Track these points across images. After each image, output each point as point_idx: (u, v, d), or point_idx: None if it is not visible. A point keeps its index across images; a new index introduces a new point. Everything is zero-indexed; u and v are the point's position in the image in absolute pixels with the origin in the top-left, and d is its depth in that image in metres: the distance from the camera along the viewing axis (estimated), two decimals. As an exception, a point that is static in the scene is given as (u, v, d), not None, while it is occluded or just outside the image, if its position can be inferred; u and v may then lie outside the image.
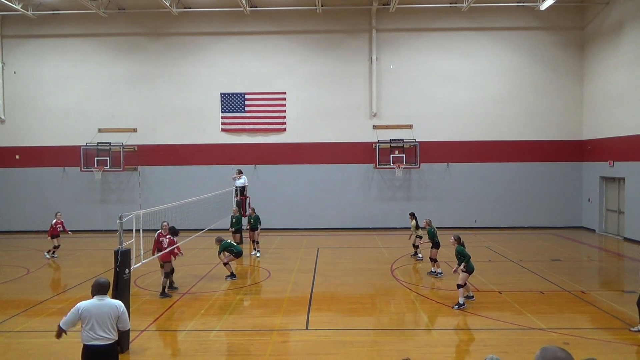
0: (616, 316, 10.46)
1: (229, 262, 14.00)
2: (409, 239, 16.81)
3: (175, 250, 12.64)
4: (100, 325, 6.04)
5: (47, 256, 17.21)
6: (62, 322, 6.13)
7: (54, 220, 17.46)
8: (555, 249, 18.29)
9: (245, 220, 18.72)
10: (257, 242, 17.45)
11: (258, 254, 17.11)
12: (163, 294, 12.20)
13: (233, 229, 17.77)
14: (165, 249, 12.21)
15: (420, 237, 16.00)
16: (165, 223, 12.85)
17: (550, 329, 9.65)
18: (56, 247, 17.42)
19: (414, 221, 16.32)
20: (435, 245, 14.13)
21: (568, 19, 22.80)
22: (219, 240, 13.92)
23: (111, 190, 23.54)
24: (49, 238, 17.43)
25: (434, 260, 14.13)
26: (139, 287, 13.08)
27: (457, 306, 11.02)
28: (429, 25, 22.99)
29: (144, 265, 11.73)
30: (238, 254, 14.06)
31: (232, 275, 13.99)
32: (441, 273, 13.96)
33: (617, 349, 8.63)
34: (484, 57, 23.02)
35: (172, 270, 12.72)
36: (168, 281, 12.49)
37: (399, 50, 23.11)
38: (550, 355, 3.05)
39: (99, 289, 6.27)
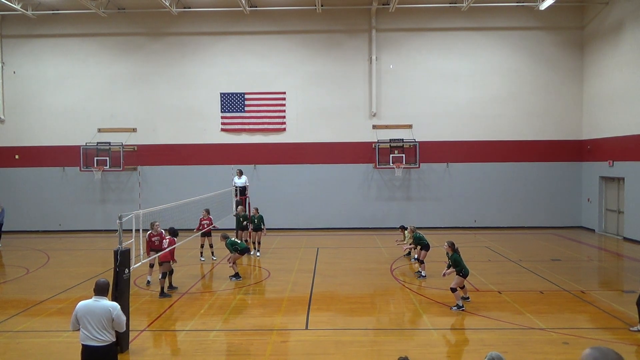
0: (616, 316, 10.47)
1: (235, 262, 13.99)
2: (396, 243, 16.73)
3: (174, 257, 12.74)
4: (93, 326, 6.08)
5: (203, 258, 16.63)
6: (70, 325, 6.31)
7: (200, 217, 16.26)
8: (554, 248, 18.29)
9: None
10: (259, 243, 17.38)
11: (258, 254, 17.11)
12: (162, 294, 12.21)
13: (252, 226, 17.51)
14: (165, 248, 12.25)
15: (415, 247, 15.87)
16: (156, 223, 13.09)
17: (550, 328, 9.66)
18: (210, 247, 16.61)
19: (405, 232, 16.11)
20: (425, 247, 14.12)
21: (568, 18, 22.80)
22: (225, 237, 13.95)
23: (111, 190, 23.53)
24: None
25: (420, 261, 14.13)
26: (139, 287, 13.08)
27: (455, 307, 11.00)
28: (429, 25, 22.99)
29: (144, 265, 11.77)
30: (243, 251, 14.05)
31: (237, 275, 13.97)
32: (425, 276, 13.84)
33: (616, 348, 8.52)
34: (483, 57, 23.03)
35: (171, 271, 12.71)
36: (167, 281, 12.51)
37: (399, 50, 23.11)
38: (606, 358, 3.00)
39: (97, 290, 6.35)
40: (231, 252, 13.85)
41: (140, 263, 10.34)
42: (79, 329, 6.18)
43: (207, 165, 23.16)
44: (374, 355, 8.55)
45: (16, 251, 18.73)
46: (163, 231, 13.05)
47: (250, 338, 9.46)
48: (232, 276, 13.98)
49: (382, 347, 8.96)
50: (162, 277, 12.27)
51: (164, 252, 12.17)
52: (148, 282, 13.32)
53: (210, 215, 16.40)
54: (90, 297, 6.38)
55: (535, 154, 22.97)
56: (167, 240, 12.51)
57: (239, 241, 14.40)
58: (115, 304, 6.39)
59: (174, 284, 12.94)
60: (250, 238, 17.81)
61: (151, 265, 13.21)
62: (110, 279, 8.36)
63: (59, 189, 23.42)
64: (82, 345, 6.14)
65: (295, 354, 8.74)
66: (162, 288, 12.29)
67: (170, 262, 12.46)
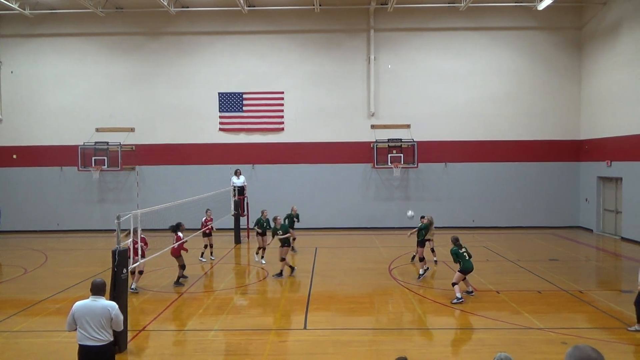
0: (614, 316, 10.49)
1: (285, 257, 14.21)
2: (409, 236, 16.40)
3: (184, 246, 13.36)
4: (92, 325, 6.06)
5: (203, 259, 16.52)
6: (66, 325, 6.27)
7: (204, 218, 16.18)
8: (552, 248, 18.32)
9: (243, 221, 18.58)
10: (264, 249, 16.37)
11: (263, 261, 16.08)
12: (177, 282, 13.28)
13: (260, 230, 16.29)
14: (143, 255, 12.54)
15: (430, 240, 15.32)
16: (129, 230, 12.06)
17: (548, 328, 9.68)
18: (209, 247, 16.57)
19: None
20: (420, 243, 14.13)
21: (566, 19, 22.83)
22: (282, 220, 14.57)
23: (109, 190, 23.49)
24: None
25: (420, 258, 14.10)
26: (138, 287, 13.04)
27: (455, 300, 11.26)
28: (427, 25, 23.00)
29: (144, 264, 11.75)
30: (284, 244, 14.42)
31: (287, 271, 14.23)
32: (423, 274, 13.80)
33: (614, 348, 8.66)
34: (481, 57, 23.04)
35: (183, 266, 13.47)
36: (182, 272, 13.44)
37: (397, 50, 23.11)
38: (582, 354, 3.04)
39: (93, 290, 6.33)
40: (281, 245, 14.24)
41: (137, 263, 10.34)
42: (75, 330, 6.16)
43: (206, 165, 23.13)
44: (373, 355, 8.55)
45: (14, 251, 18.68)
46: (145, 237, 12.80)
47: (249, 338, 9.46)
48: (277, 274, 14.10)
49: (380, 346, 8.96)
50: (180, 269, 13.36)
51: (174, 248, 12.99)
52: (133, 288, 12.54)
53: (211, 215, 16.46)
54: (88, 297, 6.36)
55: (533, 154, 22.99)
56: (175, 236, 13.16)
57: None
58: (113, 303, 6.39)
59: (185, 275, 13.72)
60: (259, 243, 16.48)
61: (132, 273, 12.70)
62: (108, 278, 8.37)
63: (57, 188, 23.37)
64: (80, 345, 6.12)
65: (294, 354, 8.74)
66: (178, 278, 13.34)
67: (181, 256, 13.22)
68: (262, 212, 16.56)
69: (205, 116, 23.23)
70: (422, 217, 15.21)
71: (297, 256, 17.20)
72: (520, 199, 23.08)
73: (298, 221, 17.87)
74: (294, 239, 17.52)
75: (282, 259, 14.13)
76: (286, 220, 16.63)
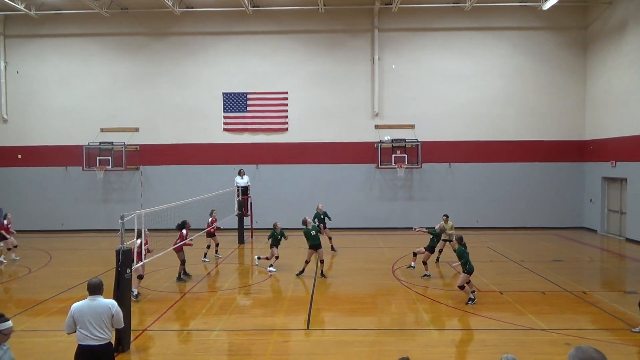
0: (618, 317, 10.44)
1: (309, 260, 14.28)
2: (415, 231, 15.51)
3: (188, 242, 13.59)
4: (93, 325, 6.07)
5: (207, 259, 16.40)
6: (64, 328, 6.23)
7: (210, 219, 16.28)
8: (556, 249, 18.25)
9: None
10: (277, 257, 15.56)
11: (256, 261, 15.88)
12: (179, 278, 13.64)
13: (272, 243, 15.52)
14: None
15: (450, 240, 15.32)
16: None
17: (552, 329, 9.64)
18: (215, 245, 16.76)
19: (450, 222, 15.61)
20: (429, 248, 14.14)
21: (571, 18, 22.75)
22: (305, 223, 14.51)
23: (113, 190, 23.57)
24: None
25: (424, 262, 14.15)
26: (141, 287, 13.06)
27: (470, 302, 11.25)
28: (431, 25, 22.96)
29: (147, 265, 11.79)
30: (314, 246, 14.28)
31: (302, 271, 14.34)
32: (429, 275, 13.97)
33: (618, 349, 8.62)
34: (486, 57, 22.98)
35: (183, 261, 13.75)
36: (183, 268, 13.79)
37: (401, 50, 23.08)
38: (584, 356, 3.04)
39: (91, 289, 6.33)
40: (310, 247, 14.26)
41: (141, 263, 10.37)
42: (74, 332, 6.15)
43: (210, 165, 23.18)
44: (375, 356, 8.54)
45: (18, 250, 18.67)
46: (147, 239, 12.79)
47: (251, 338, 9.47)
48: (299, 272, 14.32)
49: (383, 347, 8.95)
50: (181, 264, 13.67)
51: (176, 246, 13.35)
52: (137, 294, 12.02)
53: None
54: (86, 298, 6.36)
55: (537, 154, 22.92)
56: (178, 240, 13.40)
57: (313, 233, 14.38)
58: (112, 301, 6.43)
59: (188, 272, 14.06)
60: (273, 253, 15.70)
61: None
62: (111, 278, 8.40)
63: (62, 188, 23.47)
64: (80, 345, 6.09)
65: (297, 354, 8.74)
66: (180, 273, 13.71)
67: (182, 251, 13.56)
68: (275, 225, 15.63)
69: (209, 116, 23.27)
70: (445, 216, 15.57)
71: (299, 255, 17.12)
72: (524, 199, 23.01)
73: (329, 219, 18.03)
74: (330, 238, 17.79)
75: (307, 262, 14.26)
76: (316, 220, 16.87)
